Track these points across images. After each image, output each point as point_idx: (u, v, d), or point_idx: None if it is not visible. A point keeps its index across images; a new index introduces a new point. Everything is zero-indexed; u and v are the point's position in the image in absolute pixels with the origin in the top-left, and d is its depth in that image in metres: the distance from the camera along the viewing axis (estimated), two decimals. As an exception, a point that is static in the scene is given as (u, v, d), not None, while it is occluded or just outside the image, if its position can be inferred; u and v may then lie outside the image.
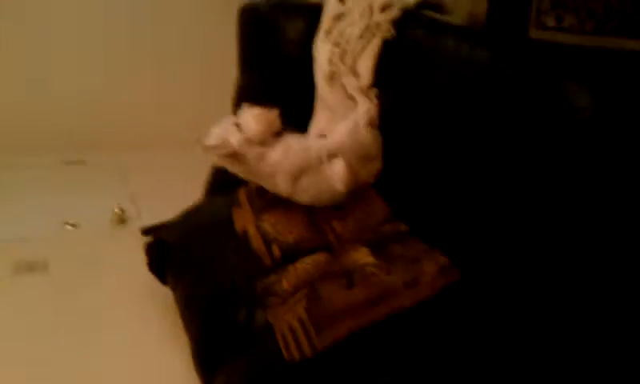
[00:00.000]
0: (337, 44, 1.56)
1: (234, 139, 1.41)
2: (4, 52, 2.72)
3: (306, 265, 1.37)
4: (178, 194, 2.54)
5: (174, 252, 1.75)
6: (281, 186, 1.52)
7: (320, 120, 1.68)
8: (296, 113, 1.75)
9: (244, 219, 1.60)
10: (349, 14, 1.56)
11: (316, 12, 1.72)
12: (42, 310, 1.82)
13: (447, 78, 1.48)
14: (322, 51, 1.60)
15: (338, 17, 1.59)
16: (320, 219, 1.54)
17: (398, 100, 1.53)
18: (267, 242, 1.51)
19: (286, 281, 1.34)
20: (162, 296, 1.82)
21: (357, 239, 1.46)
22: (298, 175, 1.52)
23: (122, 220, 2.32)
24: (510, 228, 1.23)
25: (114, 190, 2.58)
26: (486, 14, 1.71)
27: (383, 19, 1.49)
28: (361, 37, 1.50)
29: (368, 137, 1.52)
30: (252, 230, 1.55)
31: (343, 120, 1.59)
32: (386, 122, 1.54)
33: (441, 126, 1.48)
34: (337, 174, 1.51)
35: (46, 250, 2.09)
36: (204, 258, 1.62)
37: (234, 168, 1.49)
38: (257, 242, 1.52)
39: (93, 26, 2.86)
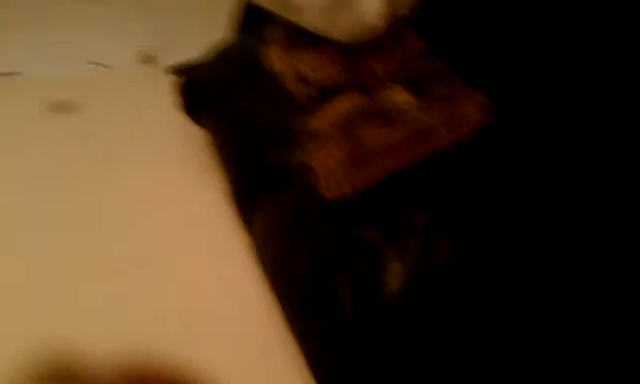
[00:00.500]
0: None
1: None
2: None
3: (341, 104, 1.35)
4: (203, 30, 2.49)
5: (207, 93, 1.73)
6: (311, 19, 1.46)
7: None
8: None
9: (276, 57, 1.56)
10: None
11: None
12: (73, 152, 1.84)
13: None
14: None
15: None
16: (355, 57, 1.49)
17: None
18: (301, 80, 1.48)
19: (322, 120, 1.32)
20: (196, 136, 1.84)
21: (394, 77, 1.42)
22: (329, 9, 1.45)
23: (147, 58, 2.28)
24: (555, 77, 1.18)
25: (139, 26, 2.50)
26: None
27: None
28: None
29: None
30: (284, 68, 1.52)
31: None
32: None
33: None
34: (371, 6, 1.43)
35: (75, 89, 2.08)
36: (237, 98, 1.61)
37: (263, 2, 1.42)
38: (290, 81, 1.49)
39: None
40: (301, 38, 1.53)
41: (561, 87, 1.22)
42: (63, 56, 2.26)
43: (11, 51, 2.24)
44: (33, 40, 2.32)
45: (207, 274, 1.48)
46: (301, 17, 1.42)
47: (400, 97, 1.30)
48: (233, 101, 1.62)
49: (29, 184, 1.72)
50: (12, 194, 1.69)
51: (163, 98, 1.84)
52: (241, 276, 1.43)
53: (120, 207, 1.67)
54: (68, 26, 2.46)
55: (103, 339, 0.76)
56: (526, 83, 1.26)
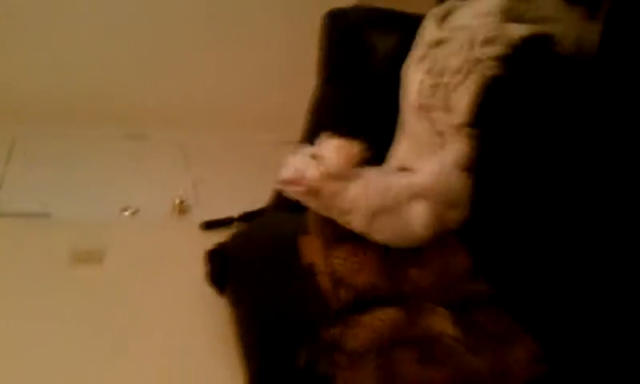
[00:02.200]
0: (430, 73, 1.41)
1: (312, 173, 1.30)
2: (70, 16, 2.64)
3: (377, 321, 1.26)
4: (241, 181, 2.49)
5: (235, 268, 1.67)
6: (355, 222, 1.41)
7: (402, 149, 1.55)
8: (376, 135, 1.62)
9: (312, 250, 1.50)
10: (447, 43, 1.41)
11: (412, 26, 1.56)
12: (92, 306, 1.78)
13: (555, 120, 1.33)
14: (413, 79, 1.45)
15: (435, 43, 1.43)
16: (395, 262, 1.42)
17: (494, 142, 1.38)
18: (335, 281, 1.41)
19: (356, 338, 1.23)
20: (219, 305, 1.76)
21: (435, 294, 1.34)
22: (375, 214, 1.40)
23: (182, 210, 2.26)
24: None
25: (175, 172, 2.52)
26: (597, 41, 1.54)
27: (486, 55, 1.33)
28: (459, 71, 1.35)
29: (456, 181, 1.38)
30: (320, 265, 1.45)
31: (429, 156, 1.46)
32: (479, 165, 1.39)
33: (543, 176, 1.33)
34: (418, 217, 1.38)
35: (103, 237, 2.04)
36: (267, 284, 1.53)
37: (307, 202, 1.38)
38: (324, 281, 1.42)
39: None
40: (340, 232, 1.47)
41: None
42: (95, 199, 2.24)
43: (42, 191, 2.23)
44: (65, 181, 2.32)
45: None
46: (346, 219, 1.37)
47: (443, 325, 1.21)
48: (260, 286, 1.55)
49: (41, 338, 1.64)
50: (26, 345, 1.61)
51: (192, 253, 1.81)
52: None
53: (122, 371, 1.59)
54: (104, 168, 2.47)
55: None
56: (580, 329, 1.16)
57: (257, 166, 2.62)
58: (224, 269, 1.73)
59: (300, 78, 2.67)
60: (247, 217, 2.18)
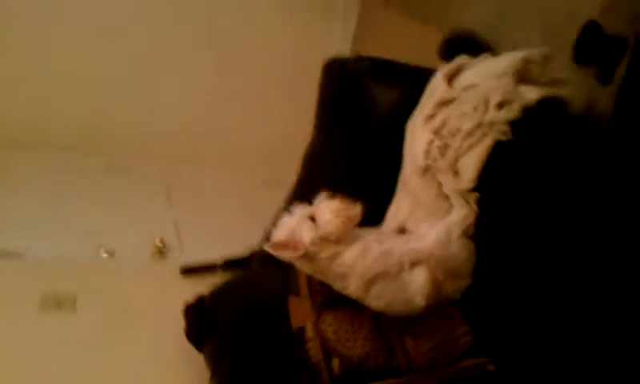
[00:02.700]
0: (438, 134, 1.33)
1: (307, 237, 1.21)
2: (53, 45, 2.53)
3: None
4: (226, 221, 2.38)
5: (216, 325, 1.56)
6: (351, 288, 1.31)
7: (401, 208, 1.46)
8: (372, 190, 1.54)
9: (302, 313, 1.40)
10: (458, 103, 1.33)
11: (415, 80, 1.49)
12: (63, 356, 1.65)
13: (563, 190, 1.26)
14: (420, 138, 1.37)
15: (445, 103, 1.36)
16: (390, 331, 1.33)
17: (503, 210, 1.31)
18: (326, 351, 1.31)
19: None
20: (197, 362, 1.64)
21: (431, 370, 1.25)
22: (373, 280, 1.30)
23: (161, 252, 2.14)
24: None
25: (158, 210, 2.41)
26: (608, 105, 1.49)
27: (500, 119, 1.26)
28: (471, 134, 1.27)
29: (461, 249, 1.30)
30: (310, 332, 1.35)
31: (432, 219, 1.37)
32: (485, 232, 1.31)
33: (554, 247, 1.26)
34: (418, 285, 1.29)
35: (77, 281, 1.91)
36: (251, 349, 1.43)
37: (302, 266, 1.28)
38: (314, 350, 1.32)
39: (164, 31, 2.65)
40: (333, 297, 1.37)
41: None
42: (72, 238, 2.12)
43: (16, 226, 2.11)
44: (42, 216, 2.19)
45: None
46: (342, 285, 1.28)
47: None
48: (244, 348, 1.44)
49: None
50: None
51: (170, 301, 1.69)
52: None
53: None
54: (83, 203, 2.34)
55: None
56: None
57: (244, 205, 2.52)
58: (204, 324, 1.62)
59: (290, 117, 2.62)
60: (231, 264, 2.08)
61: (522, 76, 1.35)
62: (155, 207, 2.41)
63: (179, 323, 1.66)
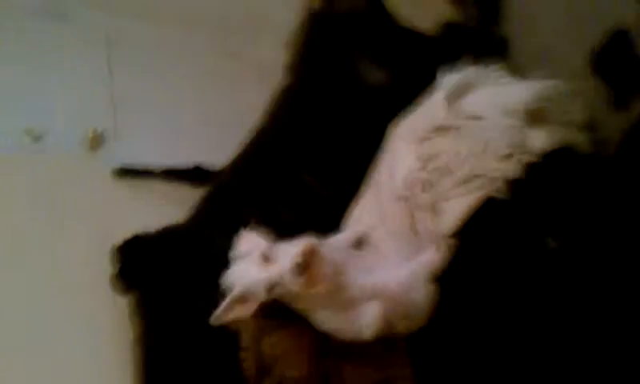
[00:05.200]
0: (426, 166, 1.15)
1: (263, 283, 1.06)
2: None
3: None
4: (170, 101, 2.12)
5: (149, 283, 1.45)
6: (300, 305, 1.21)
7: (368, 213, 1.32)
8: (333, 175, 1.38)
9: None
10: (456, 136, 1.13)
11: (417, 72, 1.26)
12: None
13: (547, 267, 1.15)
14: (403, 159, 1.18)
15: (442, 130, 1.15)
16: (330, 355, 1.26)
17: (478, 266, 1.19)
18: (260, 368, 1.24)
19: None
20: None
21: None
22: (323, 304, 1.21)
23: (96, 142, 1.92)
24: None
25: (96, 81, 2.09)
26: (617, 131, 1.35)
27: (499, 175, 1.09)
28: (462, 182, 1.10)
29: (422, 296, 1.20)
30: (247, 341, 1.27)
31: (398, 241, 1.25)
32: (452, 279, 1.21)
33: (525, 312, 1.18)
34: (369, 319, 1.20)
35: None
36: (183, 333, 1.34)
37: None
38: (248, 364, 1.25)
39: None
40: (277, 308, 1.27)
41: None
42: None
43: None
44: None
45: None
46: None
47: None
48: (176, 328, 1.36)
49: None
50: None
51: (100, 207, 1.67)
52: None
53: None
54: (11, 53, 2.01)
55: None
56: None
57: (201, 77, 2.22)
58: (137, 265, 1.50)
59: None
60: (171, 173, 1.90)
61: (534, 114, 1.16)
62: (92, 78, 2.08)
63: (104, 235, 1.53)
